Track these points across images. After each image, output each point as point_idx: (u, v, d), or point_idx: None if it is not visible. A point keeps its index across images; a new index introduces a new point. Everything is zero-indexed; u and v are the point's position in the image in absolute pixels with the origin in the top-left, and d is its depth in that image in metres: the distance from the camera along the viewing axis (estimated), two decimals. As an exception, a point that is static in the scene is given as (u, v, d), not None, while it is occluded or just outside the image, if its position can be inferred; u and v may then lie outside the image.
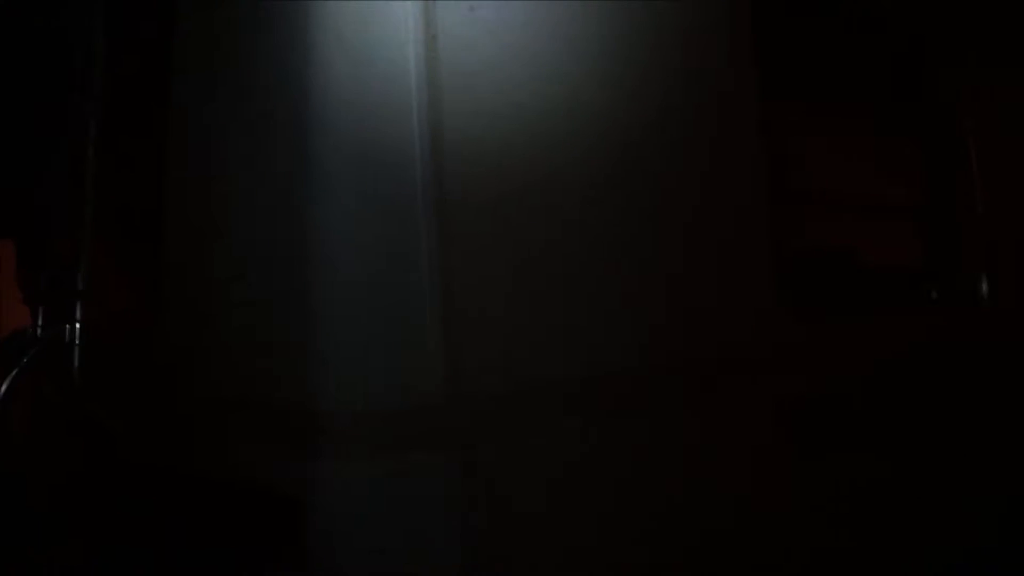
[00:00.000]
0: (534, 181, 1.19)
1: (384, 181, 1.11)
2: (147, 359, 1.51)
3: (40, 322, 1.53)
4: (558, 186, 1.23)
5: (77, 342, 1.47)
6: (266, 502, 1.17)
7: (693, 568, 1.32)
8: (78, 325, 1.48)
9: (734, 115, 1.52)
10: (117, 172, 1.57)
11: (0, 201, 1.67)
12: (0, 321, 1.75)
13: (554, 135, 1.22)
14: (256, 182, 1.26)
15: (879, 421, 1.69)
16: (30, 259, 1.66)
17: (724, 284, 1.44)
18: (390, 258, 1.10)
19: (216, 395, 1.32)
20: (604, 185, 1.29)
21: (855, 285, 1.80)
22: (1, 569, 1.46)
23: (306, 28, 1.13)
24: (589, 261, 1.26)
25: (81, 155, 1.51)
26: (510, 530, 1.12)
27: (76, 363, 1.47)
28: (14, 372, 1.45)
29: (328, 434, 1.08)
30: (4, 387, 1.43)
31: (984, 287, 2.03)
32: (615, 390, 1.26)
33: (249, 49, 1.31)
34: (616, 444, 1.24)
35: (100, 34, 1.54)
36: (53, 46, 1.60)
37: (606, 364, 1.25)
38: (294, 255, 1.16)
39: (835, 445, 1.54)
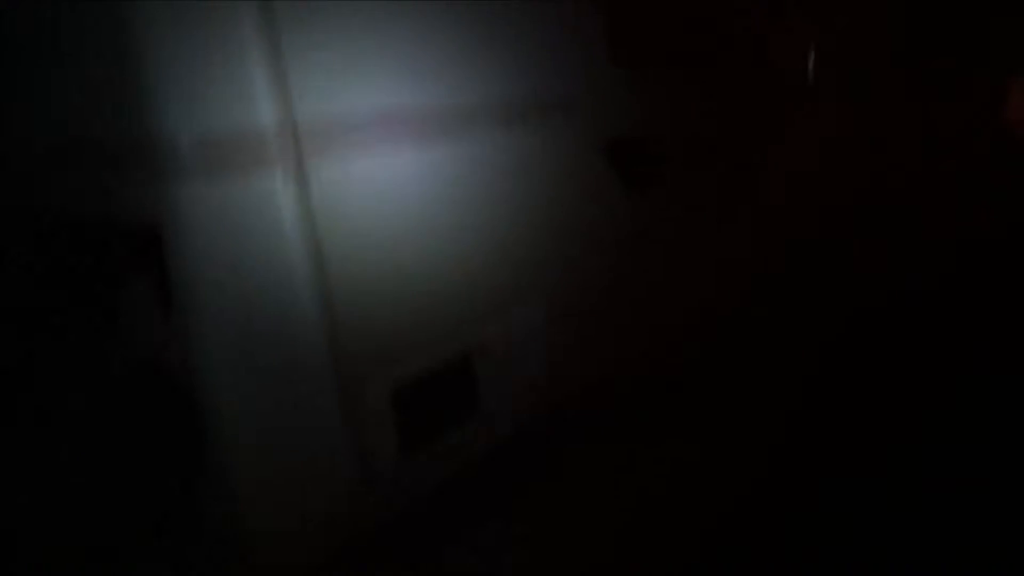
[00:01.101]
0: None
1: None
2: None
3: None
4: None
5: None
6: (118, 231, 1.22)
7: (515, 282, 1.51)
8: None
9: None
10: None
11: None
12: None
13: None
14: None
15: (688, 163, 1.95)
16: None
17: (552, 37, 1.54)
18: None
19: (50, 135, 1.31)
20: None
21: (681, 42, 2.00)
22: None
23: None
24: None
25: None
26: (348, 244, 1.24)
27: None
28: None
29: (169, 161, 1.11)
30: None
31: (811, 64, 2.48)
32: (437, 121, 1.38)
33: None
34: (438, 167, 1.38)
35: None
36: None
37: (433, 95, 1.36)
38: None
39: (653, 180, 1.75)
